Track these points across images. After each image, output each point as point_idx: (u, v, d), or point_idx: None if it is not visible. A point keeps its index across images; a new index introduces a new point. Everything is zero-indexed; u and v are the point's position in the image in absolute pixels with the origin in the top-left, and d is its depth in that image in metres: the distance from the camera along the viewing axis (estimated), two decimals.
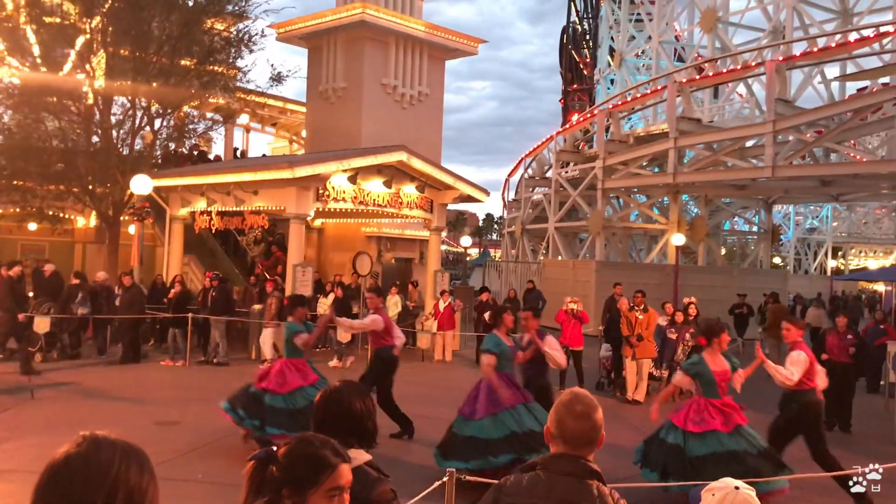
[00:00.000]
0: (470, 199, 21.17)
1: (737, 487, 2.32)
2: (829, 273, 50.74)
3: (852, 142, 24.32)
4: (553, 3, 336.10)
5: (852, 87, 29.86)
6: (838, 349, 12.03)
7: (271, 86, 23.28)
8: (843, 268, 56.08)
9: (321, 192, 17.50)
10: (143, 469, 1.58)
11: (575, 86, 49.76)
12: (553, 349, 8.75)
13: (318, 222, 22.81)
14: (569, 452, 2.62)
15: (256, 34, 22.51)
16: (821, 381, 7.81)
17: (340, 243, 23.11)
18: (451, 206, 31.14)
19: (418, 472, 7.99)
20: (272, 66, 23.29)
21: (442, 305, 18.30)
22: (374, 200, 18.52)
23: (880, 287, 42.03)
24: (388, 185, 18.59)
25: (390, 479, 2.81)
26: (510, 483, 2.69)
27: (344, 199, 17.99)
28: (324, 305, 18.80)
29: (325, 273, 21.89)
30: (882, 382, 14.49)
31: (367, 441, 2.89)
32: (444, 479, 5.31)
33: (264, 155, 30.65)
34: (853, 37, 24.37)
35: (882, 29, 23.37)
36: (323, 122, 24.40)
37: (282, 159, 22.33)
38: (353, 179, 17.82)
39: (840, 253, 58.13)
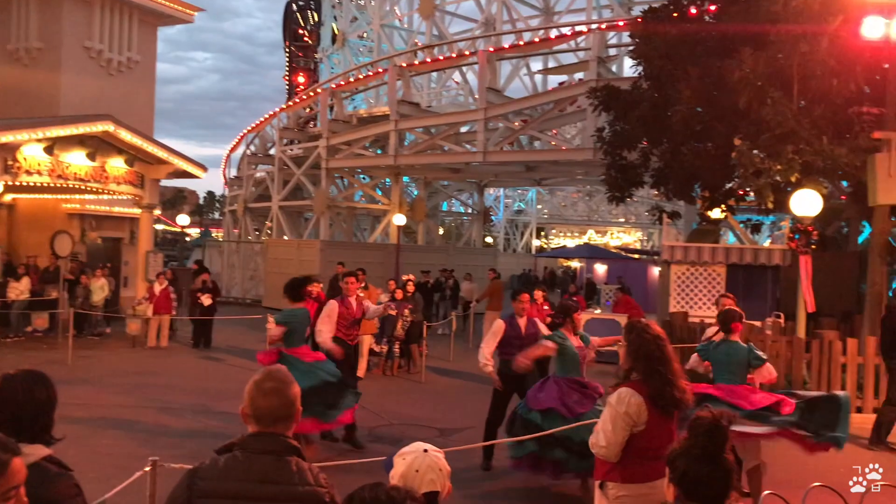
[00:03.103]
0: (186, 174, 20.17)
1: (426, 450, 2.40)
2: (533, 251, 55.33)
3: (554, 131, 26.51)
4: None
5: (553, 80, 32.60)
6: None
7: None
8: (545, 246, 61.47)
9: (10, 163, 15.65)
10: None
11: (300, 53, 49.31)
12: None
13: (8, 197, 20.38)
14: (265, 430, 2.55)
15: None
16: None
17: (36, 221, 20.82)
18: (168, 183, 29.40)
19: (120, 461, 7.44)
20: None
21: (158, 288, 17.27)
22: (76, 174, 16.95)
23: (575, 263, 46.67)
24: (91, 157, 17.11)
25: (73, 472, 2.58)
26: (205, 466, 2.56)
27: (39, 173, 16.24)
28: (17, 290, 16.96)
29: (18, 254, 19.67)
30: None
31: (44, 435, 2.62)
32: (147, 468, 5.00)
33: None
34: (554, 33, 26.58)
35: (577, 28, 25.71)
36: (13, 85, 21.73)
37: None
38: (49, 150, 16.16)
39: (543, 233, 63.71)
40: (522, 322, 8.10)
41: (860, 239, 17.54)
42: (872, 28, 10.96)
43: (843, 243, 18.17)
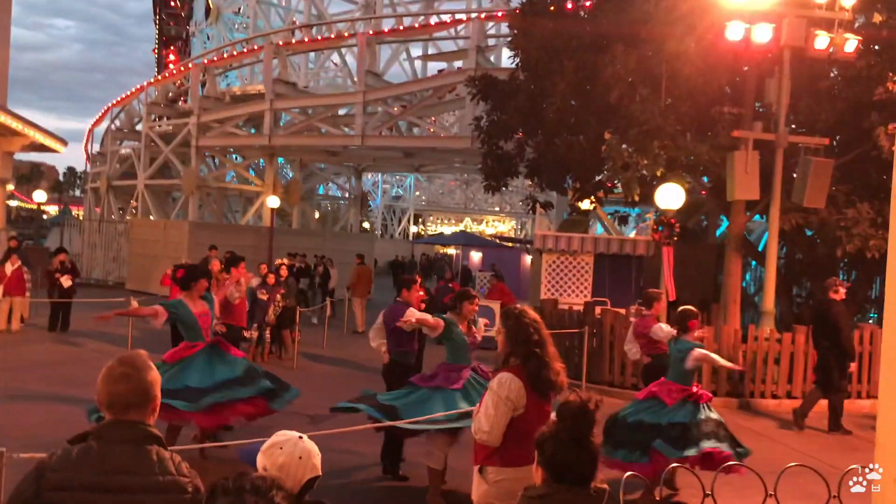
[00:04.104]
0: (44, 148, 19.00)
1: (300, 437, 2.35)
2: (410, 237, 55.56)
3: (432, 118, 26.60)
4: None
5: (433, 67, 32.69)
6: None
7: None
8: (423, 233, 61.80)
9: None
10: None
11: (171, 24, 47.21)
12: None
13: None
14: (120, 418, 2.42)
15: None
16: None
17: None
18: (24, 157, 27.64)
19: None
20: None
21: (10, 269, 16.14)
22: None
23: (452, 250, 47.20)
24: None
25: None
26: (57, 457, 2.40)
27: None
28: None
29: None
30: None
31: None
32: None
33: None
34: (434, 20, 26.65)
35: (458, 16, 25.89)
36: None
37: None
38: None
39: (420, 219, 64.03)
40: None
41: (718, 232, 18.54)
42: (735, 32, 11.55)
43: (702, 236, 19.13)
